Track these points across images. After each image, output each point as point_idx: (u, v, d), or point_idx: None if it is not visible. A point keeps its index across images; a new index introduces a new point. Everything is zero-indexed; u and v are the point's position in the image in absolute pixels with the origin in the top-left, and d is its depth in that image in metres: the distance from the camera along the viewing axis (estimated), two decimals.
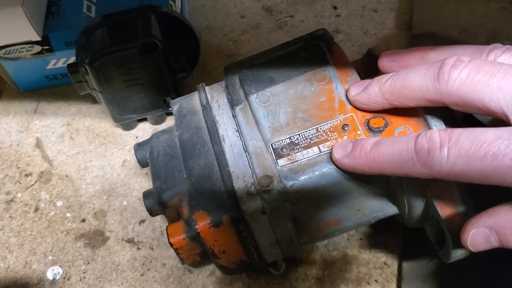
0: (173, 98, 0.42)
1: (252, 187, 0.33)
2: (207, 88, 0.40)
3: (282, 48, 0.40)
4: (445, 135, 0.27)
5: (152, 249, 0.45)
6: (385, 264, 0.41)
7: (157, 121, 0.52)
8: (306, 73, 0.37)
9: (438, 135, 0.27)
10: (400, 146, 0.28)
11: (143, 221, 0.46)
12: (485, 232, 0.27)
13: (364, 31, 0.57)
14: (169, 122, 0.53)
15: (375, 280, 0.41)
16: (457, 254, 0.33)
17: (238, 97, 0.38)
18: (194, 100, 0.40)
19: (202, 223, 0.33)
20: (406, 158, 0.28)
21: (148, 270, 0.44)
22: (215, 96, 0.39)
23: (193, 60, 0.53)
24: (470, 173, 0.26)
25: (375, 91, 0.32)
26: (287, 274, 0.42)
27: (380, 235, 0.43)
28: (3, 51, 0.51)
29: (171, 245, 0.35)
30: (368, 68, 0.38)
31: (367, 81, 0.33)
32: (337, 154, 0.32)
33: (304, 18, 0.59)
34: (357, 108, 0.34)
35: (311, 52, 0.38)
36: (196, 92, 0.41)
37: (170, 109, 0.50)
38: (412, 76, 0.30)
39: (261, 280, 0.42)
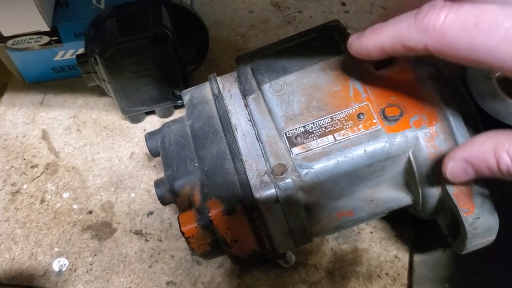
0: (181, 91, 0.41)
1: (266, 175, 0.33)
2: (218, 78, 0.40)
3: (295, 38, 0.39)
4: (449, 3, 0.26)
5: (160, 241, 0.44)
6: (396, 257, 0.41)
7: (165, 114, 0.52)
8: (320, 62, 0.36)
9: (442, 1, 0.26)
10: (405, 16, 0.28)
11: (151, 213, 0.46)
12: (462, 164, 0.28)
13: None
14: (177, 115, 0.52)
15: (386, 273, 0.40)
16: (472, 245, 0.33)
17: (251, 86, 0.38)
18: (205, 90, 0.40)
19: (215, 211, 0.33)
20: (405, 24, 0.27)
21: (156, 262, 0.43)
22: (227, 86, 0.39)
23: (202, 53, 0.52)
24: (460, 42, 0.25)
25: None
26: (297, 267, 0.41)
27: (391, 228, 0.42)
28: (11, 41, 0.51)
29: (183, 233, 0.34)
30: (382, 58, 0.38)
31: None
32: (351, 38, 0.32)
33: (312, 13, 0.59)
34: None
35: (324, 42, 0.38)
36: (208, 82, 0.40)
37: (179, 101, 0.50)
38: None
39: (270, 273, 0.41)
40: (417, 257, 0.40)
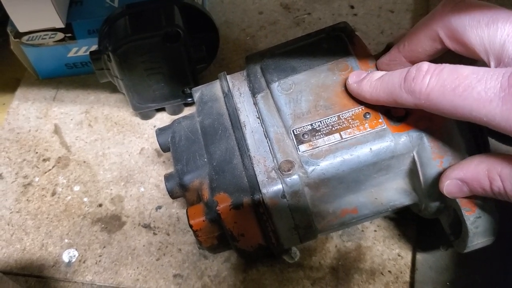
0: (191, 88, 0.42)
1: (273, 171, 0.34)
2: (228, 76, 0.41)
3: (303, 39, 0.40)
4: (432, 67, 0.29)
5: (168, 234, 0.45)
6: (399, 255, 0.42)
7: (175, 111, 0.53)
8: (328, 63, 0.37)
9: (427, 65, 0.29)
10: (396, 76, 0.31)
11: (159, 207, 0.47)
12: (457, 183, 0.31)
13: (380, 30, 0.58)
14: (186, 112, 0.53)
15: (389, 271, 0.41)
16: (473, 244, 0.33)
17: (260, 85, 0.39)
18: (215, 88, 0.41)
19: (223, 205, 0.34)
20: (396, 85, 0.31)
21: (164, 255, 0.44)
22: (237, 85, 0.40)
23: (212, 53, 0.53)
24: (443, 103, 0.28)
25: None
26: (302, 263, 0.42)
27: (395, 227, 0.43)
28: (26, 37, 0.52)
29: (191, 226, 0.35)
30: None
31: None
32: (351, 79, 0.35)
33: (321, 16, 0.60)
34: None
35: (333, 43, 0.39)
36: (218, 80, 0.41)
37: (189, 99, 0.51)
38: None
39: (275, 268, 0.42)
40: (419, 256, 0.41)
